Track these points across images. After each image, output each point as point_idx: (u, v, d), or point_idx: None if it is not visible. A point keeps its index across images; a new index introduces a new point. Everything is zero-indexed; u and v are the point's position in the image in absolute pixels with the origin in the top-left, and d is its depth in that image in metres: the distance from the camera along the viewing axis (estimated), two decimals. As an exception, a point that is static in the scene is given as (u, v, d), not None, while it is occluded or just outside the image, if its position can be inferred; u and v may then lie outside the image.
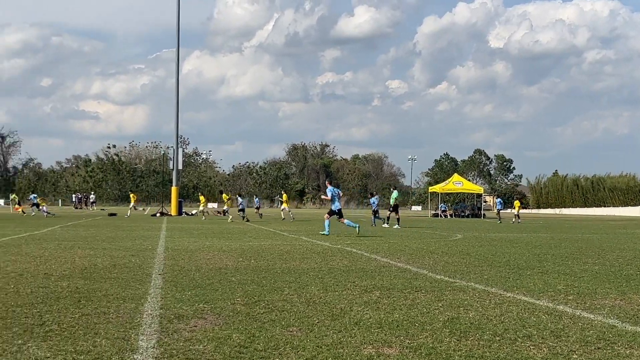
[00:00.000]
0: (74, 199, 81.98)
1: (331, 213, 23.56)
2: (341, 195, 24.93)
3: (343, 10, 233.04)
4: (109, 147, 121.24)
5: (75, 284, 9.41)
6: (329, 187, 23.97)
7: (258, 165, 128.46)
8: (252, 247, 17.15)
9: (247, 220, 37.97)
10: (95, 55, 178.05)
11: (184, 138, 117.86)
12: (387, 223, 33.94)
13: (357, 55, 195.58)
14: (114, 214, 49.03)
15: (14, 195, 60.04)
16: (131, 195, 51.80)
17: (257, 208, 47.31)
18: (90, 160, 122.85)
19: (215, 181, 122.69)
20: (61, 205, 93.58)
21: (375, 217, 35.54)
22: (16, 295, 8.32)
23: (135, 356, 5.45)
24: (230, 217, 39.04)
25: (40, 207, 45.99)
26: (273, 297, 8.52)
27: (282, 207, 42.61)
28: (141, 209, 59.16)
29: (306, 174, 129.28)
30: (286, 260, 13.47)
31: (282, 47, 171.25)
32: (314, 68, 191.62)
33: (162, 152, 70.32)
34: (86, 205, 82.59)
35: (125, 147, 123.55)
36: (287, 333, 6.39)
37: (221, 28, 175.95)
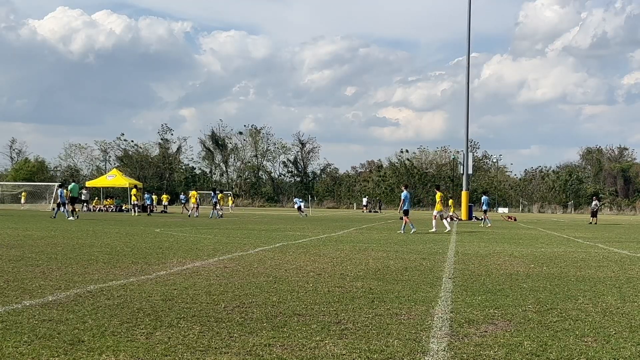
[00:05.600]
0: (364, 203, 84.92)
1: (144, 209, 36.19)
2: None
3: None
4: (401, 152, 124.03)
5: (369, 285, 9.78)
6: (146, 195, 35.10)
7: (551, 170, 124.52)
8: (544, 253, 16.67)
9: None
10: (398, 64, 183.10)
11: (473, 142, 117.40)
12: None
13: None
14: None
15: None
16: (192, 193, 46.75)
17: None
18: (382, 165, 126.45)
19: (505, 185, 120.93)
20: (356, 208, 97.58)
21: (484, 218, 37.47)
22: (314, 294, 8.82)
23: (426, 358, 5.56)
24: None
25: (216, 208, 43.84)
26: (566, 305, 8.25)
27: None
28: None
29: (602, 179, 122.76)
30: (580, 268, 12.93)
31: (588, 49, 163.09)
32: (621, 69, 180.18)
33: (452, 157, 70.69)
34: (380, 209, 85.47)
35: (415, 153, 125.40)
36: (581, 343, 6.16)
37: (528, 32, 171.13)
